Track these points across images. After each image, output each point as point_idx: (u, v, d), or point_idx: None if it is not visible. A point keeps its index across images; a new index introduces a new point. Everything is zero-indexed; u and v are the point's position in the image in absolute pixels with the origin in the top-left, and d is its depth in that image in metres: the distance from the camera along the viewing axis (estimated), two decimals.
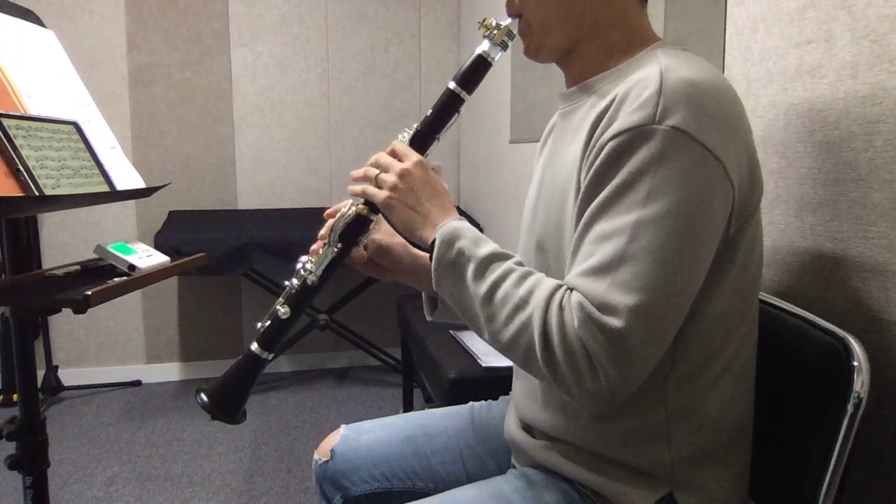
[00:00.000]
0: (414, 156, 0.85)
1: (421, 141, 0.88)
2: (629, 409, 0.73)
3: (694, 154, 0.65)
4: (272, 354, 0.91)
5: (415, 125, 0.89)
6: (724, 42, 1.18)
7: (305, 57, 3.15)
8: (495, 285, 0.72)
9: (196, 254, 1.25)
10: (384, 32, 3.23)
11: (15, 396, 2.34)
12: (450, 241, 0.77)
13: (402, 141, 0.89)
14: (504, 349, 0.72)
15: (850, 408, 0.70)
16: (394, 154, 0.87)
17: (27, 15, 1.18)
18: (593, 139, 0.72)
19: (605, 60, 0.81)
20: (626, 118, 0.67)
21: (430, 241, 0.80)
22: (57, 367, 2.94)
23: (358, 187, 0.88)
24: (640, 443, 0.76)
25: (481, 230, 2.97)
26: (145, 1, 2.94)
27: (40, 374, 2.84)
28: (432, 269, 0.78)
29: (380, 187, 0.85)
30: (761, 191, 0.75)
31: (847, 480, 0.70)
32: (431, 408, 1.13)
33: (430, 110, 0.89)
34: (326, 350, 3.29)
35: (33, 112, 1.05)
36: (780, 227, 1.02)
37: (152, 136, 3.01)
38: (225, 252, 2.62)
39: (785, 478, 0.79)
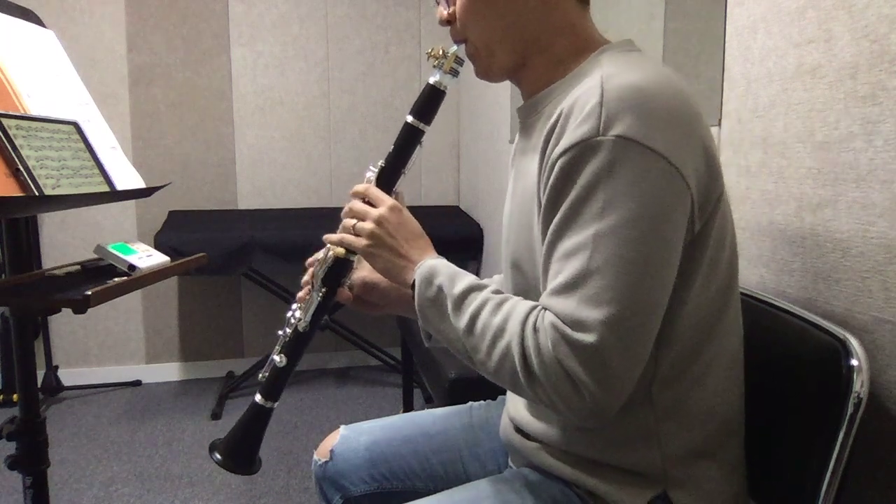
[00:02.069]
0: (388, 201, 0.87)
1: (388, 177, 0.90)
2: (618, 415, 0.73)
3: (643, 159, 0.65)
4: (276, 402, 0.94)
5: (380, 162, 0.91)
6: (724, 42, 1.18)
7: (305, 57, 3.15)
8: (474, 317, 0.73)
9: (196, 254, 1.25)
10: (384, 32, 3.23)
11: (15, 396, 2.34)
12: (429, 279, 0.78)
13: (369, 180, 0.91)
14: (492, 377, 0.73)
15: (850, 408, 0.70)
16: (367, 199, 0.88)
17: (27, 15, 1.18)
18: (545, 157, 0.72)
19: (553, 72, 0.82)
20: (571, 133, 0.67)
21: (410, 281, 0.82)
22: (57, 367, 2.94)
23: (335, 236, 0.90)
24: (630, 446, 0.76)
25: (481, 230, 2.99)
26: (145, 1, 2.94)
27: (40, 374, 2.84)
28: (416, 308, 0.80)
29: (358, 235, 0.86)
30: (722, 184, 0.74)
31: (847, 480, 0.70)
32: (431, 408, 1.13)
33: (393, 146, 0.90)
34: (326, 350, 3.29)
35: (33, 112, 1.05)
36: (780, 226, 1.02)
37: (152, 136, 3.01)
38: (225, 252, 2.62)
39: (785, 478, 0.79)
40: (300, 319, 0.93)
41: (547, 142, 0.72)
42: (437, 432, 1.04)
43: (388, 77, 3.26)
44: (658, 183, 0.65)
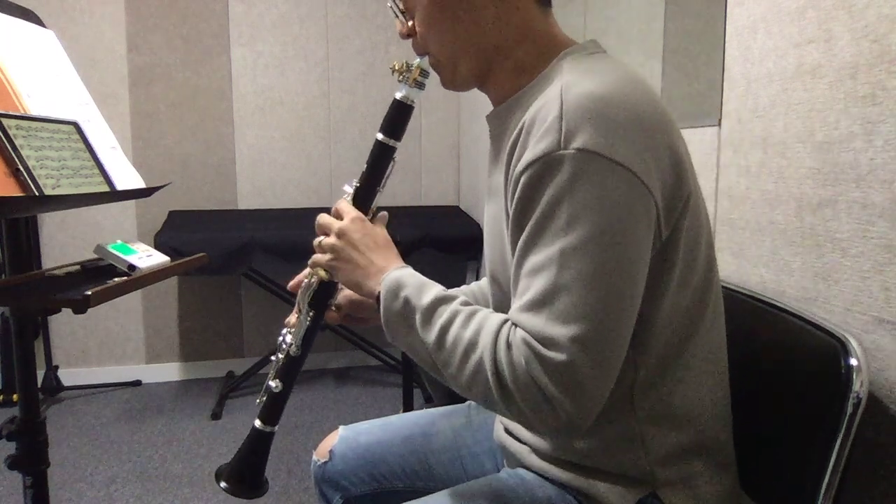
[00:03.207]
0: (351, 213, 0.86)
1: (363, 196, 0.90)
2: (600, 421, 0.73)
3: (605, 172, 0.64)
4: (275, 426, 0.96)
5: (354, 181, 0.91)
6: (724, 42, 1.18)
7: (305, 57, 3.15)
8: (444, 330, 0.72)
9: (196, 254, 1.25)
10: (384, 32, 3.23)
11: (15, 396, 2.34)
12: (395, 291, 0.77)
13: (345, 198, 0.90)
14: (463, 391, 0.72)
15: (849, 408, 0.70)
16: (337, 214, 0.88)
17: (27, 15, 1.18)
18: (510, 171, 0.72)
19: (518, 79, 0.81)
20: (533, 148, 0.67)
21: (375, 293, 0.80)
22: (57, 367, 2.94)
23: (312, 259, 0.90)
24: (615, 451, 0.76)
25: (481, 230, 2.98)
26: (145, 1, 2.94)
27: (40, 374, 2.84)
28: (382, 321, 0.79)
29: (323, 251, 0.87)
30: (690, 184, 0.73)
31: (846, 480, 0.70)
32: (431, 408, 1.14)
33: (366, 164, 0.91)
34: (326, 350, 3.29)
35: (33, 112, 1.05)
36: (780, 227, 1.02)
37: (152, 136, 3.01)
38: (225, 252, 2.62)
39: (785, 478, 0.79)
40: (291, 344, 0.94)
41: (511, 155, 0.72)
42: (437, 432, 1.04)
43: (388, 77, 3.24)
44: (621, 195, 0.65)
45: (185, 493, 2.08)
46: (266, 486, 0.97)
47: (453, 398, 1.54)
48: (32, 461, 1.07)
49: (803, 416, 0.78)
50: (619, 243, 0.65)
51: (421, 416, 1.09)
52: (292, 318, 0.96)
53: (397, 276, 0.78)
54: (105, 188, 1.11)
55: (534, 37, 0.80)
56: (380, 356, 3.15)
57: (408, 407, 2.49)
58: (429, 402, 2.69)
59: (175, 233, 2.67)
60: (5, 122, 0.95)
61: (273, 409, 0.95)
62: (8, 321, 1.16)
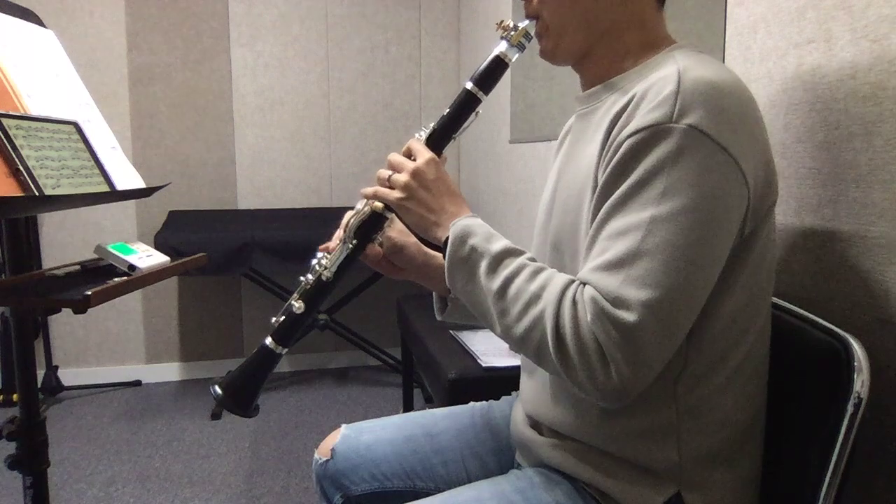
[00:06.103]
0: (427, 154, 0.85)
1: (437, 140, 0.89)
2: (640, 408, 0.73)
3: (710, 153, 0.65)
4: (286, 349, 0.92)
5: (431, 124, 0.90)
6: (724, 42, 1.18)
7: (305, 57, 3.15)
8: (508, 280, 0.72)
9: (196, 254, 1.25)
10: (384, 32, 3.23)
11: (15, 396, 2.34)
12: (462, 237, 0.78)
13: (418, 139, 0.89)
14: (516, 344, 0.73)
15: (850, 408, 0.70)
16: (408, 153, 0.87)
17: (27, 15, 1.18)
18: (611, 137, 0.72)
19: (620, 63, 0.82)
20: (643, 116, 0.68)
21: (443, 238, 0.81)
22: (57, 367, 2.94)
23: (370, 189, 0.88)
24: (649, 441, 0.76)
25: None
26: (145, 1, 2.94)
27: (40, 374, 2.84)
28: (445, 265, 0.79)
29: (392, 187, 0.85)
30: (776, 193, 0.75)
31: (847, 480, 0.70)
32: (431, 408, 1.13)
33: (447, 110, 0.89)
34: (326, 350, 3.29)
35: (33, 112, 1.05)
36: (780, 227, 1.02)
37: (152, 136, 3.01)
38: (225, 252, 2.62)
39: (785, 477, 0.79)
40: (325, 268, 0.90)
41: (614, 124, 0.72)
42: (439, 432, 1.04)
43: (388, 77, 3.26)
44: (721, 178, 0.66)
45: (185, 493, 2.08)
46: (256, 411, 0.94)
47: (454, 398, 1.54)
48: (32, 461, 1.07)
49: (803, 416, 0.78)
50: (709, 223, 0.66)
51: (423, 416, 1.08)
52: (333, 243, 0.93)
53: (467, 224, 0.79)
54: (105, 188, 1.11)
55: (643, 27, 0.81)
56: (380, 356, 3.15)
57: (408, 407, 2.49)
58: (429, 402, 2.70)
59: (175, 233, 2.67)
60: (5, 122, 0.95)
61: (289, 331, 0.92)
62: (8, 321, 1.16)
